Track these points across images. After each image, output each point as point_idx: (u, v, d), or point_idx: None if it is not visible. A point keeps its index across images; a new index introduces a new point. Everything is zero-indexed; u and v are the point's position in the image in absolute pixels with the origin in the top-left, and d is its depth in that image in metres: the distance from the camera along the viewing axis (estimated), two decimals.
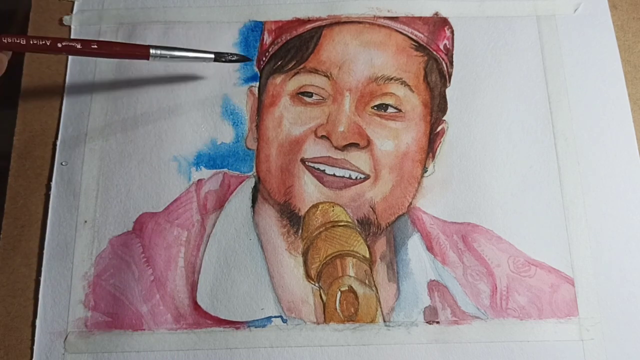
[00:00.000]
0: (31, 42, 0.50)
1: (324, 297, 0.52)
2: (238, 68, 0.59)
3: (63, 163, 0.57)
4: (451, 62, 0.60)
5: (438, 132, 0.58)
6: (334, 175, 0.56)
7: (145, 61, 0.53)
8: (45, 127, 0.58)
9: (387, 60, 0.59)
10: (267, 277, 0.53)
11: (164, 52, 0.54)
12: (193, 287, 0.53)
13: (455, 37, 0.60)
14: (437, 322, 0.52)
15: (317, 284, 0.53)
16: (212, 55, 0.55)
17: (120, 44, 0.54)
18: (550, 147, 0.57)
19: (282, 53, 0.59)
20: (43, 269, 0.53)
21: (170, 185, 0.56)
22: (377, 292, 0.53)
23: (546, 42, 0.60)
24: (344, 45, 0.59)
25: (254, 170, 0.57)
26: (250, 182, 0.56)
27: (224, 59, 0.56)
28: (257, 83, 0.59)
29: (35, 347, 0.51)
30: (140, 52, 0.53)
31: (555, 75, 0.59)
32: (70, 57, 0.60)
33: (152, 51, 0.53)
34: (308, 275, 0.53)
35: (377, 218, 0.55)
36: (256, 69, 0.59)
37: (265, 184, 0.56)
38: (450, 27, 0.61)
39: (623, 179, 0.56)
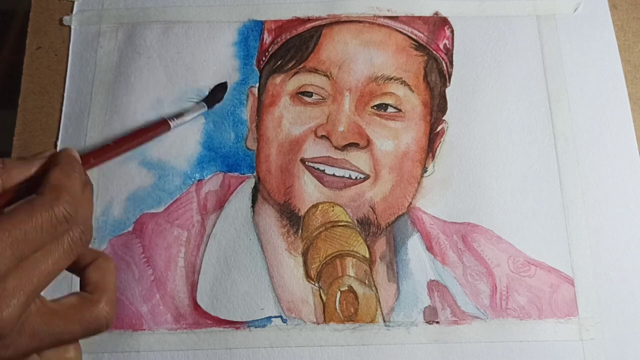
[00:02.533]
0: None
1: (323, 297, 0.52)
2: (238, 68, 0.59)
3: None
4: (451, 62, 0.59)
5: (438, 132, 0.57)
6: (334, 175, 0.56)
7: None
8: (45, 127, 0.58)
9: (387, 59, 0.59)
10: (267, 277, 0.53)
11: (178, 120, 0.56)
12: (193, 287, 0.53)
13: (455, 36, 0.60)
14: (437, 322, 0.52)
15: (317, 284, 0.53)
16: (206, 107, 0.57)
17: (141, 130, 0.55)
18: (550, 147, 0.57)
19: (281, 52, 0.59)
20: None
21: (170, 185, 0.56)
22: (377, 292, 0.53)
23: (546, 42, 0.60)
24: (344, 44, 0.59)
25: (254, 170, 0.57)
26: (250, 183, 0.56)
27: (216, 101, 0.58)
28: (257, 83, 0.59)
29: None
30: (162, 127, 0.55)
31: (555, 75, 0.59)
32: (70, 56, 0.60)
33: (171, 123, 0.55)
34: (308, 275, 0.53)
35: (377, 218, 0.55)
36: (256, 69, 0.59)
37: (265, 184, 0.56)
38: (450, 27, 0.60)
39: (623, 179, 0.56)
